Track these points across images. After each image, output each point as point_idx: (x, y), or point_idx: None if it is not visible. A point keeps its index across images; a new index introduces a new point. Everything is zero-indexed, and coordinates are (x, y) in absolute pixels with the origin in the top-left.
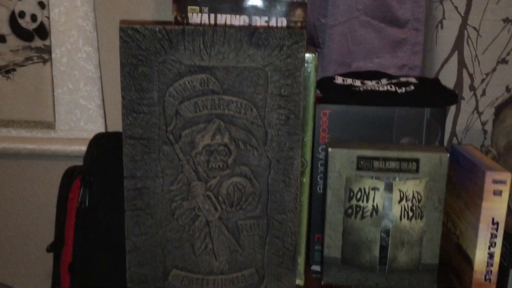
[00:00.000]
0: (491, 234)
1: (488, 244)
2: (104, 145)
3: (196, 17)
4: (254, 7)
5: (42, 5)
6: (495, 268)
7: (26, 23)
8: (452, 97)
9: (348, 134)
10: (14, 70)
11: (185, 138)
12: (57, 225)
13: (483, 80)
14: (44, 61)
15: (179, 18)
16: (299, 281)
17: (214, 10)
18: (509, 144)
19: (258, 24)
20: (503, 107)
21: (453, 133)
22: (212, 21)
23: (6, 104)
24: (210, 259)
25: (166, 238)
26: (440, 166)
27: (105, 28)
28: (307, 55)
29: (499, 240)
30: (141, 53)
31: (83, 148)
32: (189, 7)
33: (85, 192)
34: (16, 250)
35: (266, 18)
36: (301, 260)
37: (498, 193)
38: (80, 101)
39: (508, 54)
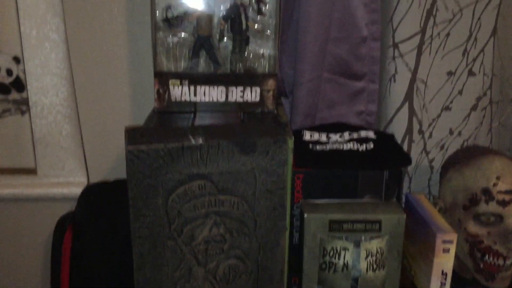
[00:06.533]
0: (441, 283)
1: None
2: (94, 198)
3: (177, 89)
4: (230, 79)
5: (17, 60)
6: None
7: (1, 77)
8: (406, 160)
9: (319, 193)
10: None
11: (186, 233)
12: (52, 274)
13: (430, 125)
14: (22, 112)
15: (161, 91)
16: None
17: (193, 82)
18: (455, 201)
19: (234, 93)
20: (449, 167)
21: (405, 170)
22: (192, 93)
23: None
24: None
25: None
26: (399, 225)
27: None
28: None
29: (447, 286)
30: (146, 168)
31: (65, 191)
32: (170, 81)
33: (78, 245)
34: None
35: (241, 88)
36: None
37: (447, 250)
38: (59, 146)
39: (451, 102)
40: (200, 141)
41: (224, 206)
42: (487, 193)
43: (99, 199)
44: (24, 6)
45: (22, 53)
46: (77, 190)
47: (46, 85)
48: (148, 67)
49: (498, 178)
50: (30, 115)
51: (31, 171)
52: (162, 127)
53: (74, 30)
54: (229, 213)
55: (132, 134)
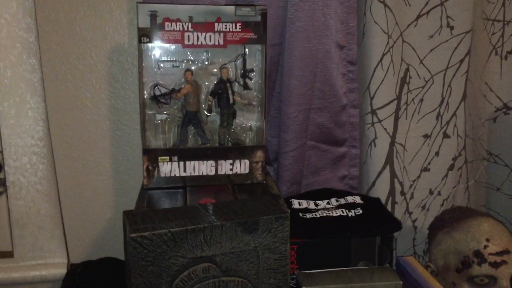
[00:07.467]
0: None
1: None
2: (80, 278)
3: (167, 165)
4: (219, 152)
5: None
6: None
7: None
8: (397, 226)
9: (314, 262)
10: None
11: None
12: None
13: (411, 186)
14: None
15: (150, 168)
16: None
17: (182, 158)
18: (447, 264)
19: (223, 166)
20: (437, 230)
21: None
22: (182, 168)
23: None
24: None
25: None
26: None
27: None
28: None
29: None
30: (149, 255)
31: (44, 273)
32: (159, 158)
33: None
34: None
35: (230, 161)
36: None
37: None
38: (38, 226)
39: (429, 163)
40: (217, 221)
41: None
42: (479, 256)
43: (85, 279)
44: (2, 86)
45: (0, 133)
46: (56, 272)
47: (24, 164)
48: (131, 142)
49: (488, 240)
50: (7, 196)
51: (8, 254)
52: (161, 210)
53: (55, 108)
54: None
55: (133, 220)
